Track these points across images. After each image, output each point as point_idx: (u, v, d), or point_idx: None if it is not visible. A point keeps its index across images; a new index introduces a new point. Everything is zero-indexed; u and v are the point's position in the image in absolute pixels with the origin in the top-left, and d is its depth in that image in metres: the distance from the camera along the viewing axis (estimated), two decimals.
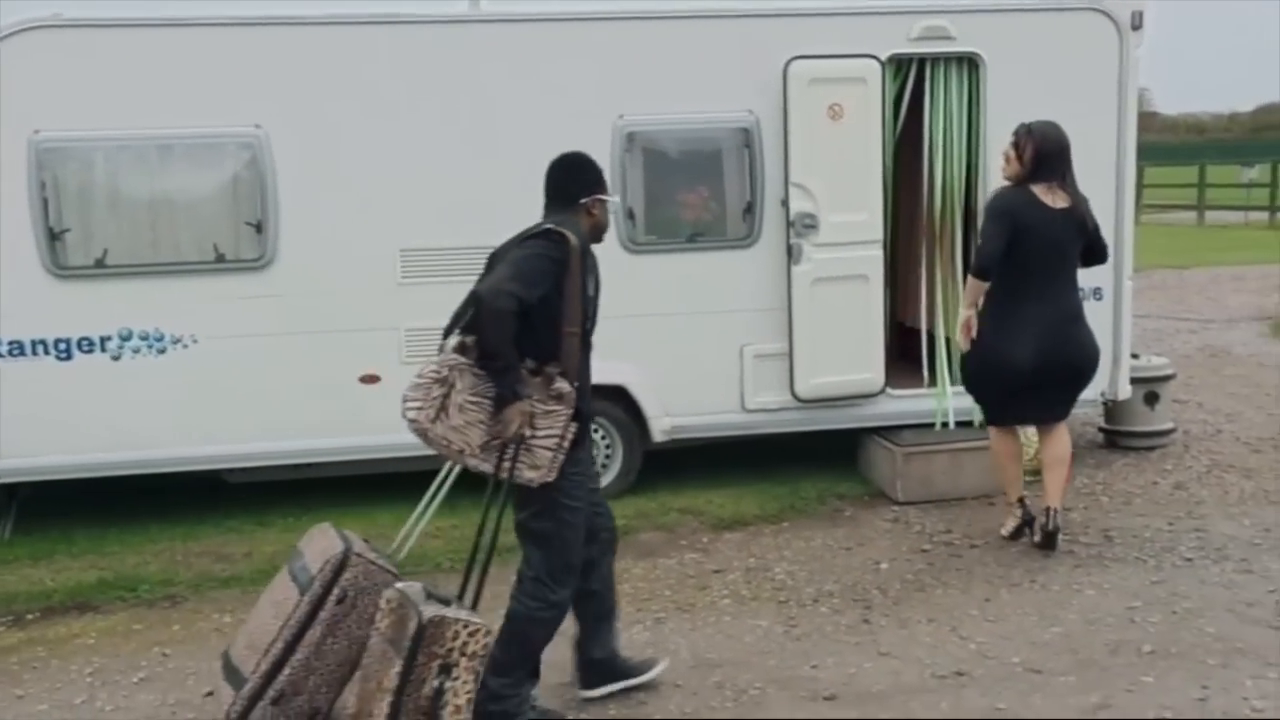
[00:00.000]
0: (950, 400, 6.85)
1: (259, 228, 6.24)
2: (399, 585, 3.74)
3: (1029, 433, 6.25)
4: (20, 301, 6.05)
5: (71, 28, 6.01)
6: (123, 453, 6.25)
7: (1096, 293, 6.79)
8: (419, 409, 3.78)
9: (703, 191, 6.70)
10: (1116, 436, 7.66)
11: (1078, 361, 5.69)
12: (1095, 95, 6.80)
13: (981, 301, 5.66)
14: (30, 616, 5.44)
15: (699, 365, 6.67)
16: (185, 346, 6.25)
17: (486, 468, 3.85)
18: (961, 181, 6.90)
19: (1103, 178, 6.71)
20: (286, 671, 3.88)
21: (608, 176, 4.24)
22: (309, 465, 6.62)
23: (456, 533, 5.86)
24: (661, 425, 6.70)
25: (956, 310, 6.63)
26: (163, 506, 6.75)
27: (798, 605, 5.23)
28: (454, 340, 3.88)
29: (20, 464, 6.18)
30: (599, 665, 4.33)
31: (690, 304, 6.62)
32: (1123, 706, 4.19)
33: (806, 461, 7.23)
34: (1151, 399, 7.55)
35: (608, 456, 6.75)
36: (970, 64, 6.78)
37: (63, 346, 6.15)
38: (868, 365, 6.80)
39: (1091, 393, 6.52)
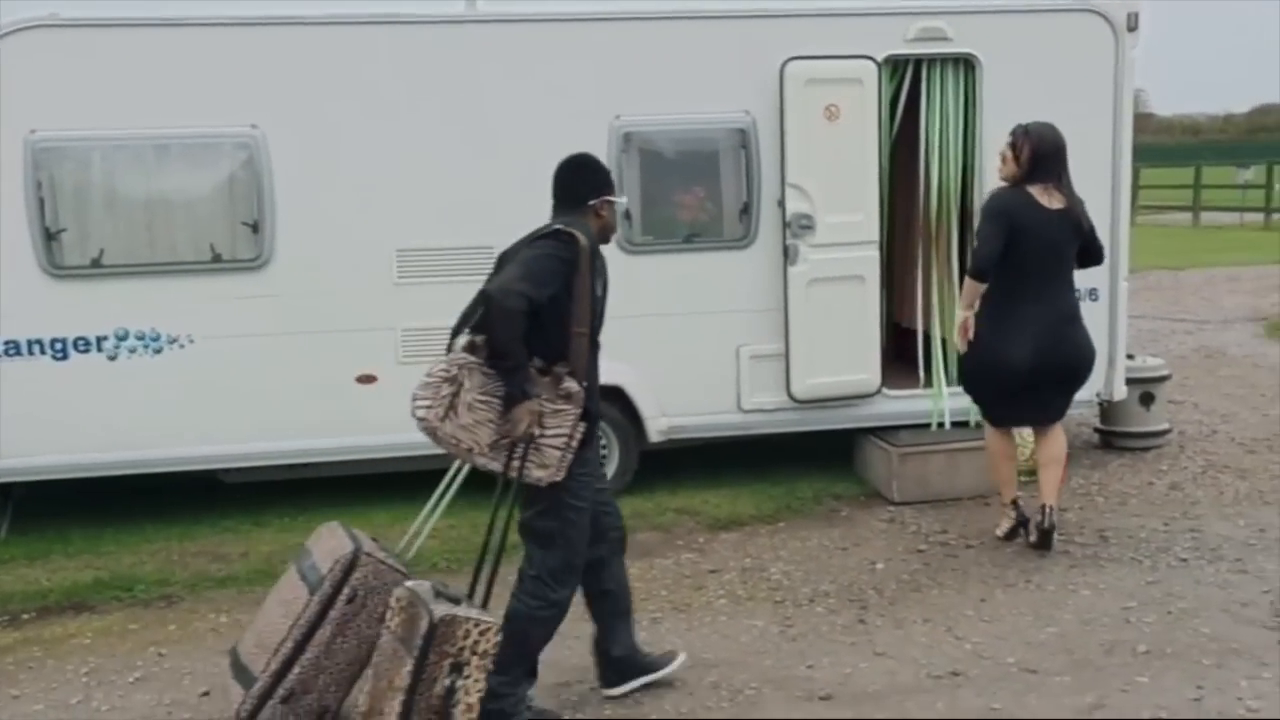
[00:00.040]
0: (946, 401, 6.87)
1: (255, 228, 6.24)
2: (408, 584, 3.75)
3: (1024, 433, 6.26)
4: (16, 301, 6.05)
5: (68, 27, 6.01)
6: (119, 453, 6.25)
7: (1092, 293, 6.81)
8: (428, 407, 3.79)
9: (699, 192, 6.70)
10: (1112, 437, 7.68)
11: (1074, 362, 5.70)
12: (1091, 96, 6.82)
13: (978, 303, 5.68)
14: (26, 616, 5.43)
15: (695, 366, 6.67)
16: (181, 347, 6.25)
17: (495, 466, 3.86)
18: (958, 182, 6.91)
19: (1098, 179, 6.73)
20: (296, 670, 3.90)
21: None
22: (305, 465, 6.62)
23: (453, 533, 5.86)
24: (658, 425, 6.71)
25: (952, 311, 6.65)
26: (159, 506, 6.75)
27: (793, 605, 5.23)
28: (463, 339, 3.90)
29: (16, 464, 6.18)
30: (620, 663, 4.34)
31: (687, 304, 6.63)
32: (1118, 706, 4.20)
33: (803, 462, 7.23)
34: (1147, 400, 7.56)
35: (604, 457, 6.75)
36: (966, 65, 6.79)
37: (59, 346, 6.15)
38: (864, 366, 6.81)
39: (1087, 393, 6.54)
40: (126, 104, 6.05)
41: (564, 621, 4.12)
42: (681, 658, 4.48)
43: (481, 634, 3.59)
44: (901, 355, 7.54)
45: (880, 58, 6.62)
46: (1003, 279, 5.56)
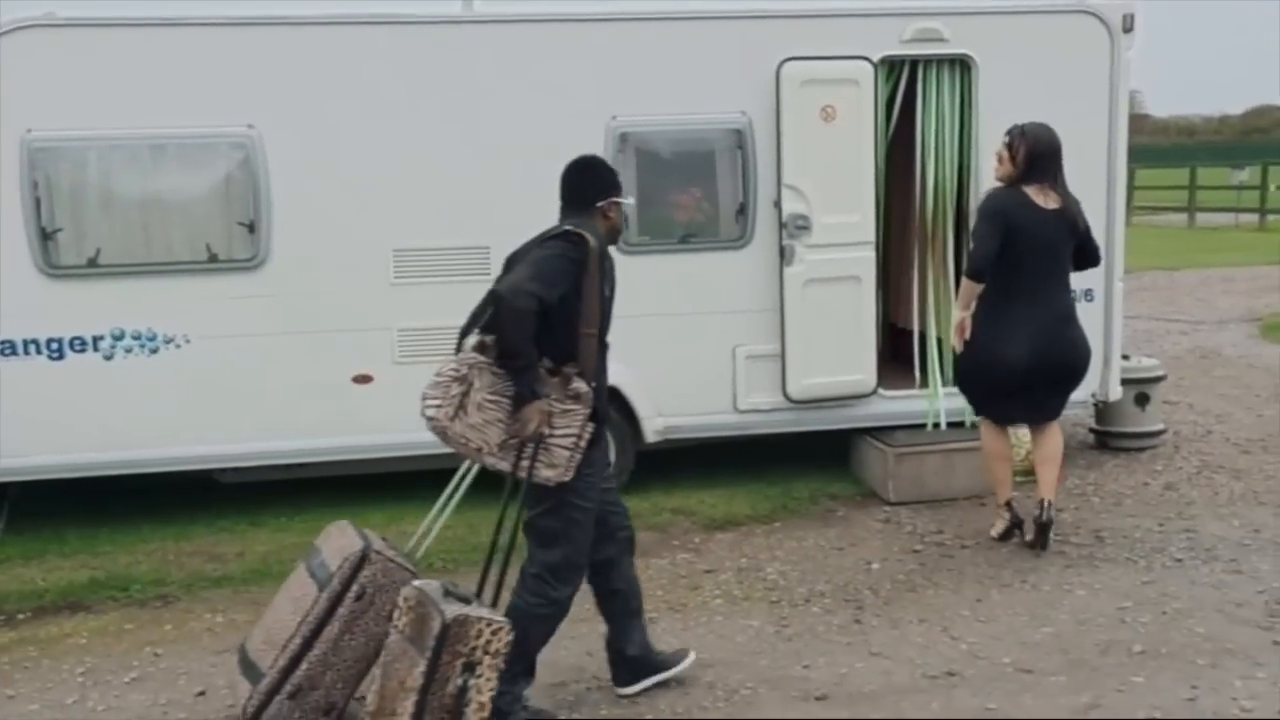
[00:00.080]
0: (942, 401, 6.87)
1: (251, 228, 6.24)
2: (416, 583, 3.76)
3: (1020, 433, 6.28)
4: (12, 301, 6.04)
5: (64, 27, 6.01)
6: (115, 453, 6.25)
7: (1087, 294, 6.82)
8: (438, 407, 3.80)
9: (696, 193, 6.71)
10: (1107, 437, 7.69)
11: (1070, 361, 5.72)
12: (1087, 97, 6.83)
13: (974, 302, 5.69)
14: (22, 616, 5.43)
15: (692, 366, 6.68)
16: (178, 346, 6.25)
17: (504, 466, 3.88)
18: (953, 183, 6.92)
19: (1094, 179, 6.73)
20: (304, 667, 3.92)
21: None
22: (301, 465, 6.62)
23: (449, 533, 5.83)
24: (654, 426, 6.71)
25: (948, 311, 6.66)
26: (155, 506, 6.74)
27: (789, 605, 5.24)
28: (473, 339, 3.91)
29: (12, 464, 6.17)
30: (634, 662, 4.35)
31: (683, 305, 6.63)
32: (1113, 706, 4.21)
33: (799, 462, 7.24)
34: (1142, 400, 7.58)
35: None
36: (962, 66, 6.80)
37: (55, 346, 6.14)
38: (860, 366, 6.81)
39: (1082, 394, 6.54)
40: (123, 104, 6.05)
41: (564, 623, 4.12)
42: (692, 656, 4.50)
43: (494, 634, 3.61)
44: (897, 356, 7.55)
45: (876, 59, 6.63)
46: (999, 279, 5.58)
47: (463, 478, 4.38)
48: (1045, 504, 5.68)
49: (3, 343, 6.08)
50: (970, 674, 4.51)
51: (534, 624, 4.00)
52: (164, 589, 5.67)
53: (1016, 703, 4.26)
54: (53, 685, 4.67)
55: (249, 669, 4.04)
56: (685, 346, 6.64)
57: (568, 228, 3.93)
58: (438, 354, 6.07)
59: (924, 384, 7.04)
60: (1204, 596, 5.16)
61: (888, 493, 6.68)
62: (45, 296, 6.09)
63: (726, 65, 6.54)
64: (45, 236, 6.06)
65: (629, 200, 4.19)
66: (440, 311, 6.29)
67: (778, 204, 6.59)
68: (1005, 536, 5.90)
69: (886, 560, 5.78)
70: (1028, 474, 6.22)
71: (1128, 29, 6.83)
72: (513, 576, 4.05)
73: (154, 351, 6.23)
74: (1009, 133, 5.64)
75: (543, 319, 3.75)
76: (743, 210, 6.67)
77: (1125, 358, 7.49)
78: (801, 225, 6.59)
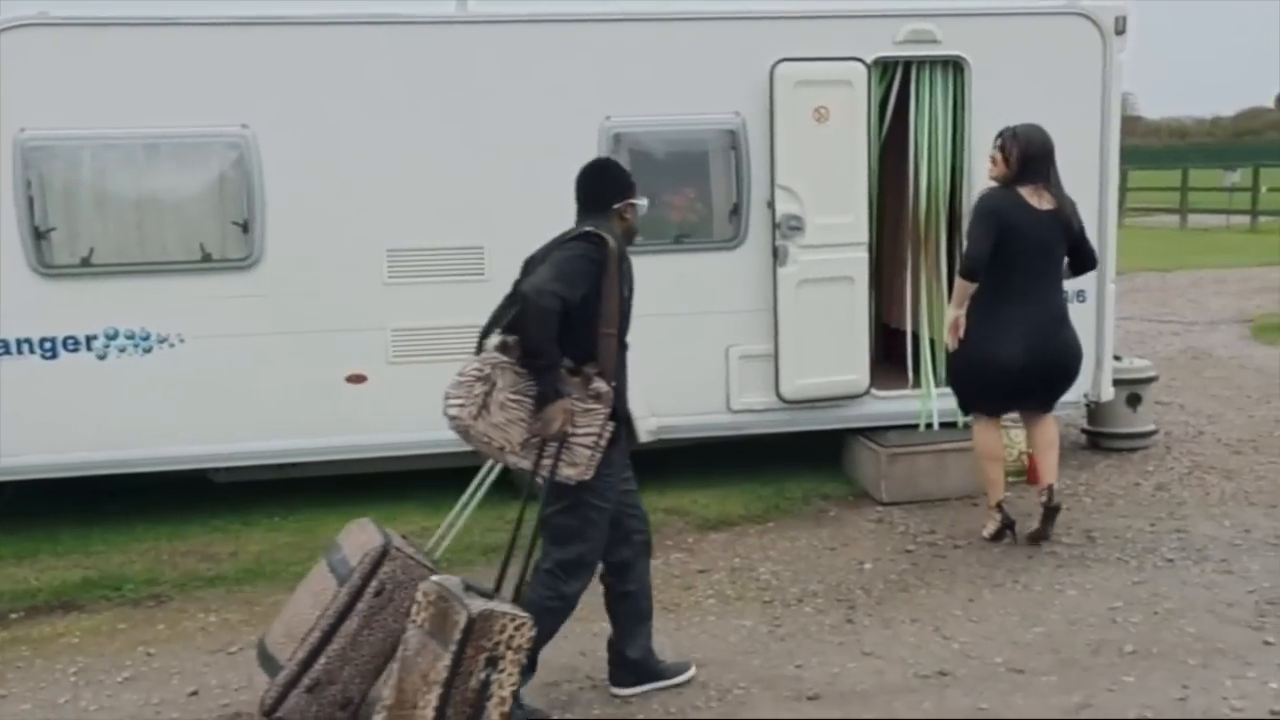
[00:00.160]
0: (935, 401, 6.89)
1: (245, 227, 6.24)
2: (435, 579, 3.79)
3: (1012, 434, 6.30)
4: (6, 301, 6.03)
5: (58, 26, 6.00)
6: (108, 452, 6.24)
7: (1080, 295, 6.83)
8: (461, 406, 3.83)
9: (689, 193, 6.72)
10: (1099, 438, 7.71)
11: (1063, 361, 5.74)
12: (1079, 99, 6.85)
13: (968, 302, 5.70)
14: (14, 616, 5.42)
15: (685, 366, 6.68)
16: (171, 346, 6.24)
17: (526, 465, 3.91)
18: (946, 184, 6.93)
19: (1086, 181, 6.74)
20: (322, 660, 3.94)
21: None
22: (295, 465, 6.62)
23: (450, 531, 5.86)
24: (647, 425, 6.71)
25: (941, 312, 6.68)
26: (148, 506, 6.74)
27: (782, 605, 5.25)
28: (495, 339, 3.93)
29: (6, 463, 6.16)
30: (635, 665, 4.36)
31: (676, 305, 6.62)
32: (1104, 706, 4.22)
33: (792, 462, 7.25)
34: (1134, 401, 7.60)
35: None
36: (955, 67, 6.81)
37: (48, 346, 6.14)
38: (853, 366, 6.83)
39: (1074, 394, 6.57)
40: (117, 103, 6.05)
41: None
42: (692, 670, 4.51)
43: (517, 628, 3.64)
44: (890, 356, 7.56)
45: (870, 60, 6.64)
46: (993, 278, 5.59)
47: (484, 477, 4.40)
48: (1050, 489, 5.70)
49: None
50: (962, 674, 4.52)
51: (543, 617, 4.01)
52: (157, 588, 5.67)
53: (1008, 702, 4.28)
54: (45, 685, 4.67)
55: (267, 662, 4.06)
56: (678, 346, 6.64)
57: (588, 229, 3.96)
58: (431, 354, 6.13)
59: (916, 384, 7.05)
60: (1195, 596, 5.18)
61: (880, 493, 6.69)
62: (39, 296, 6.08)
63: (720, 66, 6.55)
64: (39, 236, 6.05)
65: (643, 201, 4.21)
66: (434, 311, 6.34)
67: (771, 204, 6.60)
68: (997, 537, 5.92)
69: (879, 560, 5.79)
70: (1019, 474, 6.24)
71: (1120, 31, 6.85)
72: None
73: (147, 351, 6.23)
74: (1000, 135, 5.66)
75: (563, 319, 3.78)
76: (736, 211, 6.68)
77: (1117, 358, 7.52)
78: (795, 226, 6.60)
